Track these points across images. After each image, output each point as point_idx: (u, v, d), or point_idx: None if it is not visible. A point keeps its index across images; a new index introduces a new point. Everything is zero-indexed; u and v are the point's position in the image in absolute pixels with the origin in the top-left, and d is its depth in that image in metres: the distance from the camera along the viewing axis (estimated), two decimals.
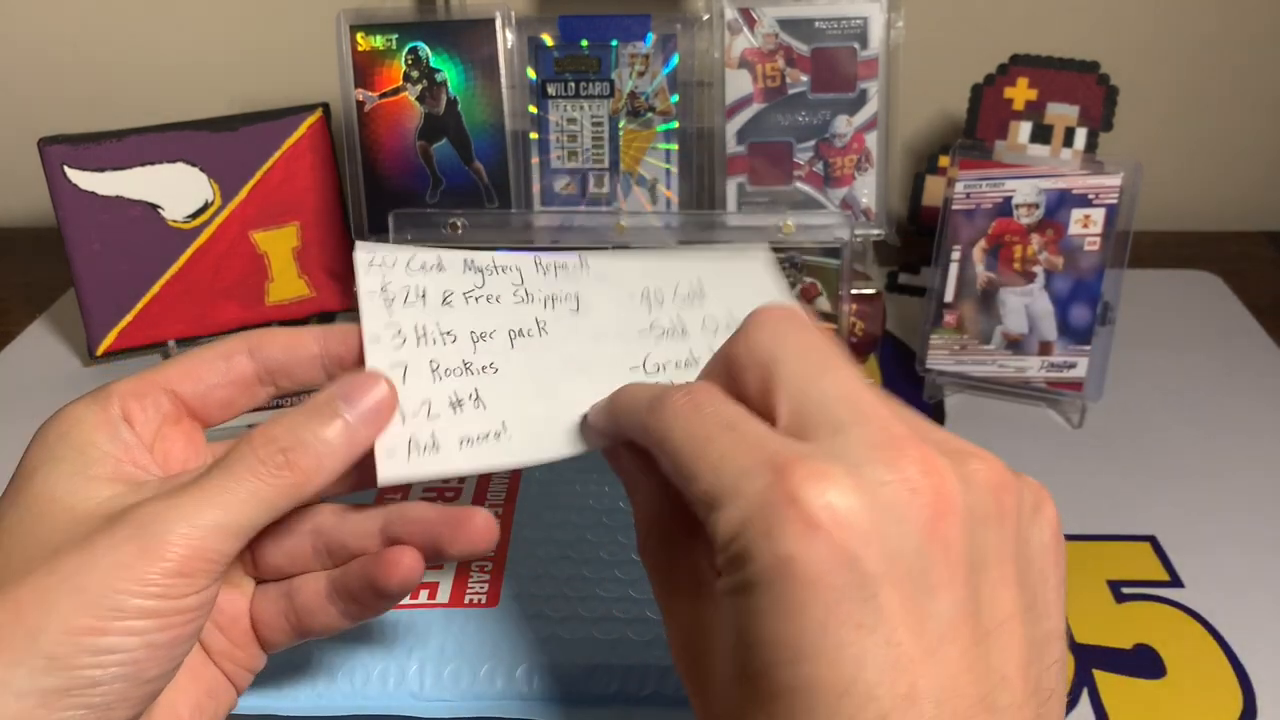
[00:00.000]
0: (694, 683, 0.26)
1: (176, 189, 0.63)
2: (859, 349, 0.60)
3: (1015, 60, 0.61)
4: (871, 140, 0.62)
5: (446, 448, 0.31)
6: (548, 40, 0.60)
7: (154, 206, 0.63)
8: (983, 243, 0.57)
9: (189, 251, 0.64)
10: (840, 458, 0.22)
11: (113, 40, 0.81)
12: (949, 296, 0.58)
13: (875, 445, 0.23)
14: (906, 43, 0.61)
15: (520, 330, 0.34)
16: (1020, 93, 0.60)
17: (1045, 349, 0.57)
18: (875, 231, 0.62)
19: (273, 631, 0.33)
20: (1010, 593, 0.23)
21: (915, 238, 0.72)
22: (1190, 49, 0.79)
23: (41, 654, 0.25)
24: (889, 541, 0.22)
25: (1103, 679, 0.43)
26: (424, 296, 0.33)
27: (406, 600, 0.39)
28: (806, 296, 0.56)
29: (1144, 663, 0.43)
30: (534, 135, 0.61)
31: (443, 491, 0.48)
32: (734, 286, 0.32)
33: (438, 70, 0.60)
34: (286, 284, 0.66)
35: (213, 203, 0.64)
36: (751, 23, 0.61)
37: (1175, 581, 0.48)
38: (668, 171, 0.62)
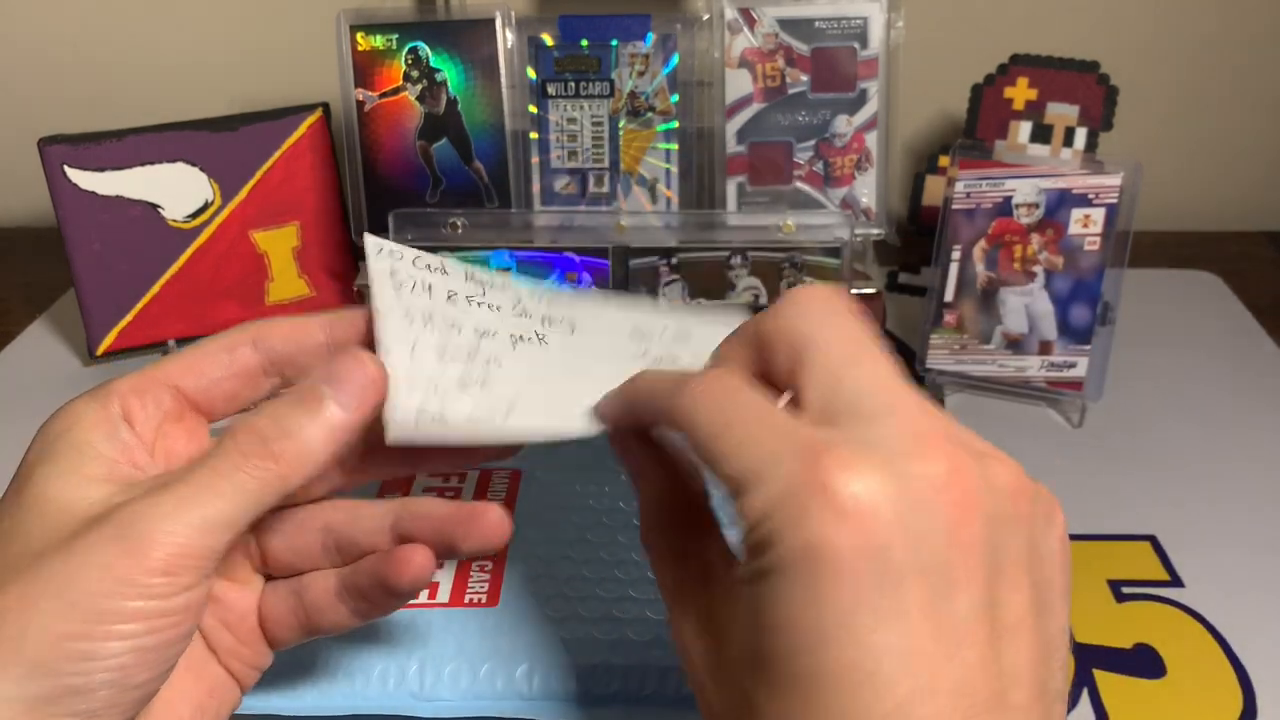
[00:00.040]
0: (699, 673, 0.26)
1: (176, 189, 0.63)
2: None
3: (1015, 60, 0.61)
4: (871, 140, 0.62)
5: (454, 420, 0.30)
6: (548, 40, 0.60)
7: (154, 206, 0.63)
8: (983, 243, 0.57)
9: (189, 251, 0.64)
10: (871, 448, 0.22)
11: (113, 40, 0.81)
12: (949, 296, 0.58)
13: (905, 438, 0.23)
14: (906, 43, 0.61)
15: (521, 336, 0.34)
16: (1020, 93, 0.60)
17: (1045, 349, 0.57)
18: (875, 231, 0.62)
19: (281, 629, 0.32)
20: (1023, 596, 0.23)
21: (915, 238, 0.72)
22: (1190, 49, 0.79)
23: (25, 660, 0.24)
24: (915, 535, 0.22)
25: (1103, 679, 0.43)
26: (430, 290, 0.33)
27: None
28: None
29: (1144, 662, 0.43)
30: (534, 135, 0.61)
31: (442, 491, 0.48)
32: (719, 336, 0.32)
33: (438, 70, 0.60)
34: (286, 284, 0.66)
35: (213, 203, 0.64)
36: (751, 22, 0.61)
37: (1175, 581, 0.48)
38: (668, 171, 0.62)
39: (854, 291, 0.57)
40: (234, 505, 0.27)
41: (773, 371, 0.26)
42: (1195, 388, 0.61)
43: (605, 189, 0.62)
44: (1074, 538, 0.25)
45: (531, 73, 0.61)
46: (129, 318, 0.64)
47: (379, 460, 0.32)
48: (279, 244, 0.66)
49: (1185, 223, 0.83)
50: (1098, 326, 0.56)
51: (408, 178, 0.62)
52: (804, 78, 0.61)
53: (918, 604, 0.21)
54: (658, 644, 0.41)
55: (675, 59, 0.60)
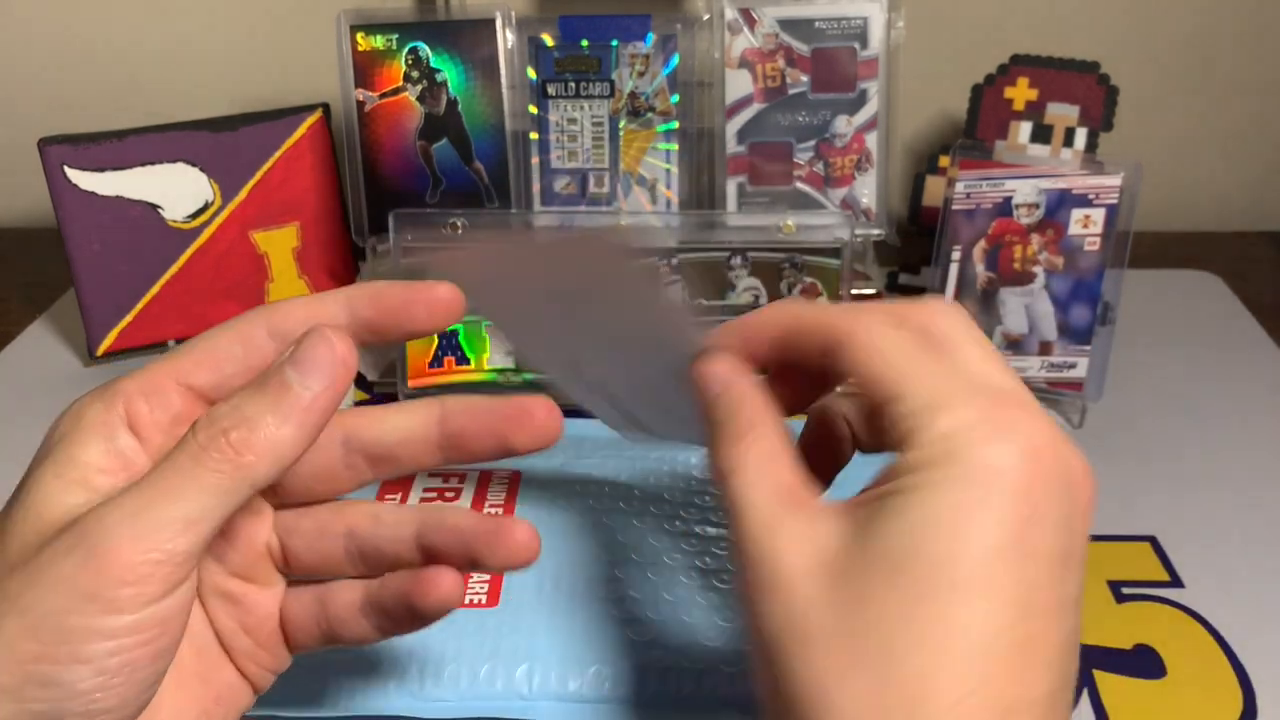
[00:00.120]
0: (795, 575, 0.26)
1: (176, 189, 0.63)
2: None
3: (1015, 60, 0.61)
4: (871, 140, 0.62)
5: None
6: (548, 40, 0.60)
7: (154, 206, 0.63)
8: (983, 243, 0.57)
9: (189, 251, 0.64)
10: (1040, 415, 0.26)
11: (113, 40, 0.81)
12: (949, 296, 0.58)
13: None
14: (906, 43, 0.61)
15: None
16: (1020, 93, 0.60)
17: (1045, 349, 0.57)
18: (875, 231, 0.62)
19: (302, 635, 0.31)
20: (1078, 589, 0.26)
21: (915, 238, 0.72)
22: (1190, 49, 0.79)
23: None
24: (1059, 488, 0.25)
25: (1103, 679, 0.43)
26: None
27: None
28: (807, 297, 0.56)
29: (1144, 663, 0.43)
30: (534, 135, 0.61)
31: (442, 491, 0.48)
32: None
33: (438, 70, 0.60)
34: (286, 284, 0.66)
35: (213, 203, 0.64)
36: (751, 23, 0.61)
37: (1175, 581, 0.48)
38: (668, 171, 0.62)
39: (854, 292, 0.57)
40: (197, 504, 0.25)
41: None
42: (1195, 388, 0.61)
43: (605, 189, 0.62)
44: None
45: (532, 73, 0.61)
46: (129, 318, 0.64)
47: (381, 460, 0.32)
48: (279, 244, 0.66)
49: (1185, 223, 0.83)
50: (1098, 327, 0.56)
51: (408, 178, 0.62)
52: (804, 78, 0.61)
53: (1046, 554, 0.24)
54: (657, 644, 0.41)
55: (675, 59, 0.60)
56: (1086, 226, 0.55)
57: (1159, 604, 0.46)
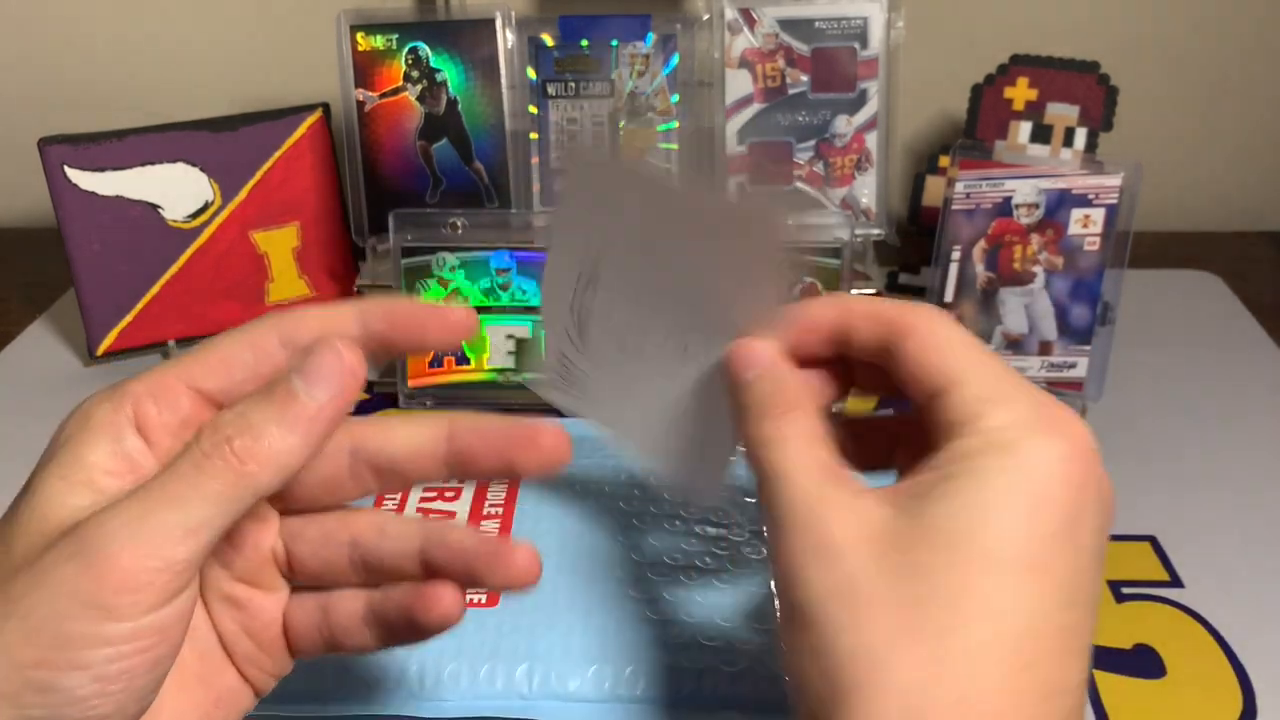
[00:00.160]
0: (852, 543, 0.26)
1: (176, 189, 0.63)
2: None
3: (1015, 60, 0.61)
4: (871, 140, 0.62)
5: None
6: (548, 40, 0.60)
7: (154, 206, 0.63)
8: (983, 243, 0.57)
9: (189, 251, 0.64)
10: (1082, 422, 0.27)
11: (113, 40, 0.81)
12: (949, 296, 0.58)
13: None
14: (906, 43, 0.61)
15: None
16: (1020, 93, 0.60)
17: (1045, 349, 0.57)
18: (875, 231, 0.62)
19: (304, 641, 0.31)
20: (1101, 590, 0.27)
21: (915, 238, 0.72)
22: (1191, 49, 0.79)
23: None
24: (1097, 502, 0.27)
25: (1103, 679, 0.43)
26: None
27: None
28: (807, 297, 0.56)
29: (1144, 663, 0.43)
30: (534, 135, 0.61)
31: (442, 491, 0.48)
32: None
33: (438, 70, 0.60)
34: (286, 284, 0.66)
35: (213, 203, 0.64)
36: (751, 23, 0.61)
37: (1175, 581, 0.48)
38: (668, 171, 0.62)
39: (854, 292, 0.57)
40: (199, 512, 0.25)
41: None
42: (1195, 388, 0.61)
43: None
44: None
45: (531, 73, 0.61)
46: (129, 318, 0.64)
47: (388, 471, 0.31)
48: (279, 244, 0.66)
49: (1185, 223, 0.83)
50: (1098, 327, 0.56)
51: (408, 178, 0.62)
52: (804, 78, 0.61)
53: (1088, 548, 0.26)
54: (657, 644, 0.41)
55: (675, 59, 0.60)
56: (1086, 226, 0.55)
57: (1159, 604, 0.46)
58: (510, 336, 0.57)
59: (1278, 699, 0.41)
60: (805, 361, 0.32)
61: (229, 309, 0.65)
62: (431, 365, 0.58)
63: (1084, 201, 0.55)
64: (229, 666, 0.31)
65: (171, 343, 0.65)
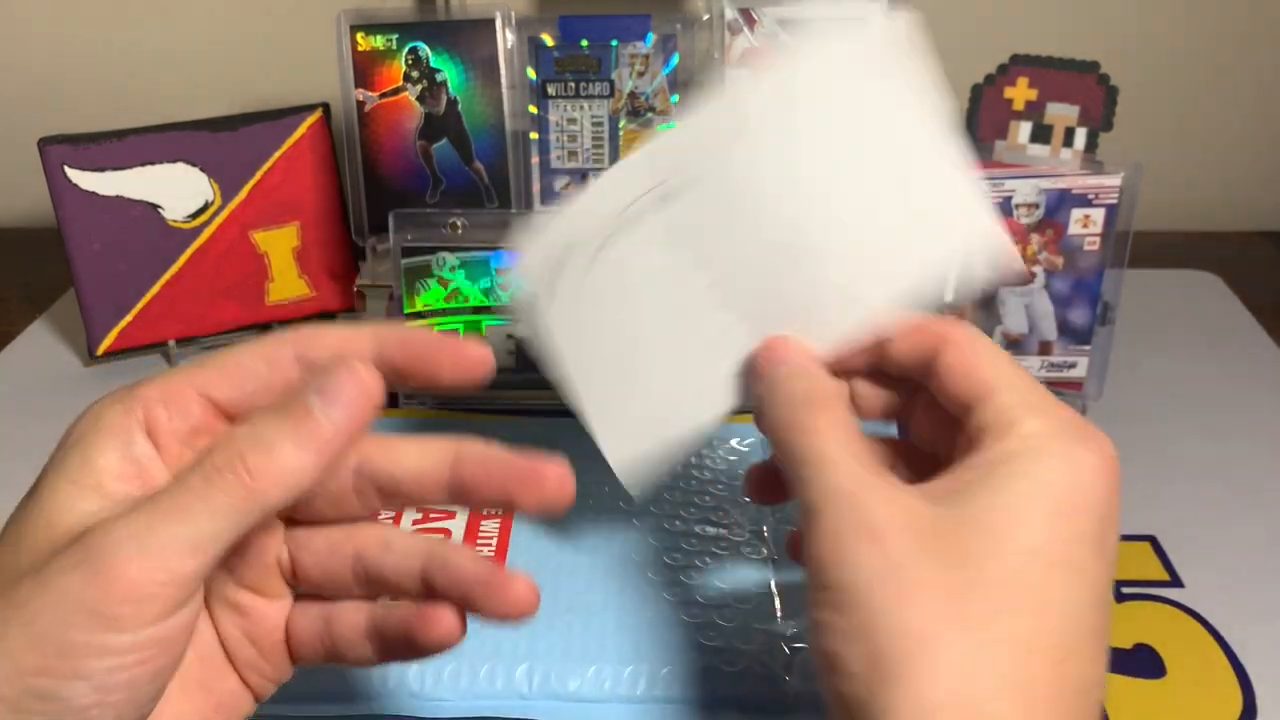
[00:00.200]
0: (893, 528, 0.27)
1: (176, 189, 0.63)
2: None
3: (1015, 60, 0.60)
4: None
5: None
6: (548, 40, 0.60)
7: (154, 206, 0.63)
8: None
9: (189, 251, 0.64)
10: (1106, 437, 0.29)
11: (113, 40, 0.81)
12: (949, 296, 0.58)
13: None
14: None
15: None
16: (1020, 93, 0.60)
17: (1045, 349, 0.57)
18: None
19: (306, 649, 0.31)
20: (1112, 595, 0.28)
21: None
22: (1191, 49, 0.79)
23: None
24: (1118, 513, 0.28)
25: None
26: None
27: None
28: None
29: (1144, 663, 0.43)
30: (534, 135, 0.61)
31: None
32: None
33: (438, 70, 0.60)
34: (287, 284, 0.66)
35: (213, 203, 0.64)
36: (751, 23, 0.61)
37: (1175, 581, 0.48)
38: None
39: None
40: (207, 526, 0.25)
41: None
42: (1195, 388, 0.61)
43: None
44: None
45: (531, 73, 0.61)
46: (129, 318, 0.64)
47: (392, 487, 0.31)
48: (279, 244, 0.66)
49: (1185, 223, 0.83)
50: (1098, 326, 0.56)
51: (408, 178, 0.62)
52: None
53: (1110, 548, 0.28)
54: (657, 644, 0.41)
55: (675, 59, 0.60)
56: (1086, 226, 0.55)
57: (1159, 603, 0.46)
58: (510, 337, 0.57)
59: (1278, 699, 0.41)
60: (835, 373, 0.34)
61: (229, 309, 0.65)
62: None
63: (1084, 201, 0.55)
64: (230, 672, 0.31)
65: (171, 343, 0.65)
